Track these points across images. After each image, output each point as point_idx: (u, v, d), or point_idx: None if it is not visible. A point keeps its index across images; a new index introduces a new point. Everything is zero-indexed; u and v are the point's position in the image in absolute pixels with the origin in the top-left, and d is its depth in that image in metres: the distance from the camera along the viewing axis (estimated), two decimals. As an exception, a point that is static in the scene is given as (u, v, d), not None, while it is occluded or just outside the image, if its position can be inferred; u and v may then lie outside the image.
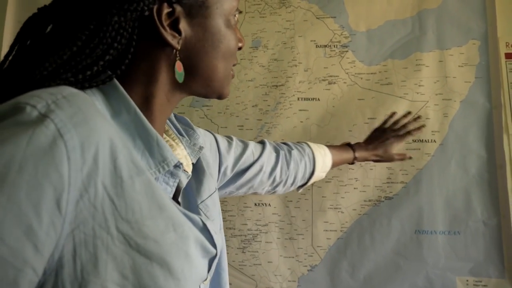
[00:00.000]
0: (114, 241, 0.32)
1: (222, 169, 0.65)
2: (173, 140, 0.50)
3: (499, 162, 0.93)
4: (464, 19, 0.99)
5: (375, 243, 0.95)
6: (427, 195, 0.95)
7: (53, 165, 0.29)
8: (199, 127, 1.06)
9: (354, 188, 0.98)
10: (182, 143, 0.51)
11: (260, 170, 0.71)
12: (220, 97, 0.48)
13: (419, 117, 0.94)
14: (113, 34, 0.37)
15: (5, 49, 1.03)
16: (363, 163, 0.97)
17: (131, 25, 0.38)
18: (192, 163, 0.51)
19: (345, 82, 1.02)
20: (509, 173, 0.92)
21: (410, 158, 0.93)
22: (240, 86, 1.06)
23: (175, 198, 0.47)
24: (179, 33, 0.41)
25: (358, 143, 0.90)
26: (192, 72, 0.43)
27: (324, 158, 0.82)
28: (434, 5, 1.00)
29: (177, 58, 0.41)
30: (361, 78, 1.01)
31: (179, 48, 0.41)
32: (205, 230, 0.43)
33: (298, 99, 1.03)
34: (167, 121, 0.52)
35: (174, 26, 0.41)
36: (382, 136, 0.89)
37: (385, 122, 0.93)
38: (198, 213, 0.48)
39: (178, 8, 0.40)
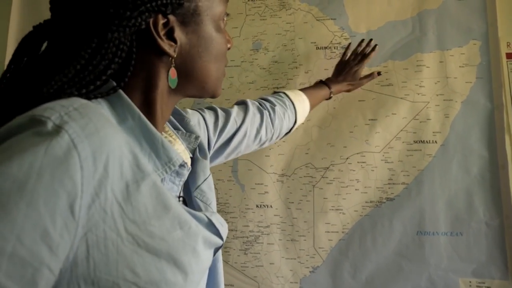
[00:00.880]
0: (123, 241, 0.34)
1: (212, 145, 0.67)
2: (171, 137, 0.52)
3: (501, 162, 0.93)
4: (465, 20, 0.99)
5: (376, 245, 0.95)
6: (429, 196, 0.95)
7: (67, 173, 0.31)
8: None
9: (356, 189, 0.98)
10: (179, 138, 0.53)
11: (245, 135, 0.72)
12: (213, 96, 0.51)
13: (370, 40, 0.98)
14: (114, 49, 0.39)
15: (10, 49, 1.04)
16: (363, 164, 0.98)
17: (129, 38, 0.40)
18: (191, 157, 0.54)
19: (345, 84, 1.02)
20: (511, 173, 0.92)
21: (379, 74, 0.98)
22: (241, 88, 1.06)
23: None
24: (175, 41, 0.43)
25: (329, 79, 0.95)
26: (187, 76, 0.46)
27: (303, 105, 0.85)
28: (435, 5, 1.00)
29: (172, 65, 0.44)
30: (362, 80, 1.01)
31: (175, 55, 0.43)
32: (210, 225, 0.45)
33: (299, 101, 1.03)
34: None
35: (170, 35, 0.43)
36: (346, 67, 0.95)
37: (344, 55, 0.98)
38: (193, 201, 0.52)
39: (172, 18, 0.42)
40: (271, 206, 1.01)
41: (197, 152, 0.55)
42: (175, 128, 0.56)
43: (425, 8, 1.00)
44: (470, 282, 0.91)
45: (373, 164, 0.98)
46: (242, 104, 0.76)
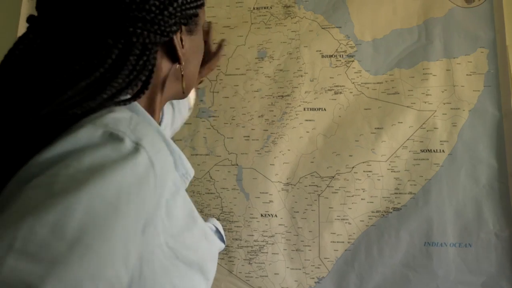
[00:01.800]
0: (165, 255, 0.35)
1: None
2: None
3: (510, 172, 0.91)
4: (472, 27, 0.98)
5: (383, 255, 0.94)
6: (437, 206, 0.93)
7: (148, 192, 0.31)
8: (205, 137, 1.08)
9: (362, 199, 0.97)
10: None
11: (166, 126, 0.73)
12: (185, 97, 0.52)
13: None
14: (151, 56, 0.39)
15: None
16: (369, 173, 0.97)
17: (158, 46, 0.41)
18: None
19: (351, 92, 1.01)
20: (521, 183, 0.90)
21: (223, 42, 0.91)
22: (246, 96, 1.06)
23: None
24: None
25: None
26: (183, 80, 0.48)
27: None
28: (441, 13, 0.99)
29: (182, 72, 0.45)
30: (368, 88, 1.01)
31: (184, 63, 0.45)
32: (217, 232, 0.47)
33: (304, 109, 1.03)
34: None
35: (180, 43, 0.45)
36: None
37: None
38: None
39: (183, 29, 0.44)
40: (276, 215, 1.00)
41: None
42: None
43: (431, 16, 1.00)
44: (479, 294, 0.89)
45: (379, 174, 0.97)
46: None
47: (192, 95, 0.88)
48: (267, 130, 1.03)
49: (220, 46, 0.92)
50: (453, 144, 0.95)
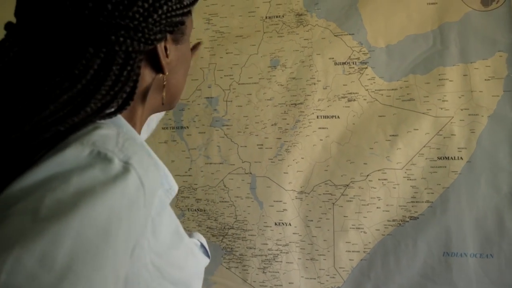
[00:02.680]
0: (151, 275, 0.34)
1: None
2: None
3: (533, 180, 0.88)
4: (489, 31, 0.95)
5: (400, 266, 0.92)
6: (455, 215, 0.90)
7: (138, 213, 0.30)
8: (219, 146, 1.09)
9: (377, 208, 0.95)
10: None
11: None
12: (171, 109, 0.52)
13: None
14: (135, 65, 0.38)
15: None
16: (385, 181, 0.95)
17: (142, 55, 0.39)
18: None
19: (365, 99, 1.00)
20: (545, 191, 0.86)
21: (200, 42, 0.91)
22: (259, 105, 1.07)
23: None
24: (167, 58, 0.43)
25: None
26: (167, 91, 0.45)
27: None
28: (456, 18, 0.97)
29: (164, 82, 0.43)
30: (382, 95, 0.99)
31: (167, 73, 0.43)
32: (202, 247, 0.46)
33: (317, 117, 1.02)
34: None
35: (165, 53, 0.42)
36: None
37: None
38: None
39: (168, 37, 0.42)
40: (290, 224, 1.00)
41: None
42: None
43: (446, 20, 0.98)
44: (503, 307, 0.86)
45: (395, 182, 0.95)
46: None
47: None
48: (281, 138, 1.03)
49: (195, 46, 0.91)
50: (472, 151, 0.92)
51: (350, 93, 1.01)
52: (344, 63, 1.03)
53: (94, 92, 0.34)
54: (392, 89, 0.99)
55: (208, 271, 1.05)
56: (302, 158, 1.01)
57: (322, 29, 1.06)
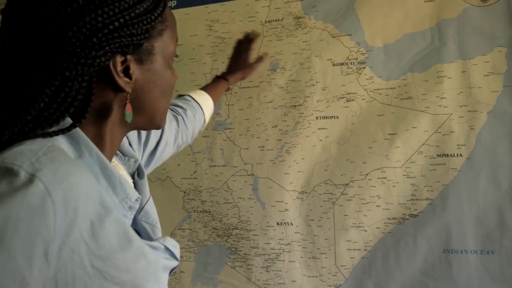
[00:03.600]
0: (90, 277, 0.36)
1: (142, 162, 0.68)
2: (113, 163, 0.53)
3: (536, 175, 0.87)
4: (488, 26, 0.94)
5: (401, 263, 0.93)
6: (455, 212, 0.91)
7: (43, 222, 0.33)
8: (222, 149, 1.13)
9: (377, 206, 0.96)
10: (120, 163, 0.54)
11: (166, 144, 0.74)
12: (158, 128, 0.52)
13: (251, 32, 0.98)
14: (77, 86, 0.39)
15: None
16: (384, 180, 0.96)
17: (91, 75, 0.41)
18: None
19: (363, 99, 1.01)
20: (547, 187, 0.85)
21: (266, 54, 1.00)
22: (260, 108, 1.09)
23: None
24: (130, 78, 0.44)
25: (224, 72, 0.96)
26: (139, 110, 0.47)
27: (208, 103, 0.88)
28: (454, 14, 0.97)
29: (127, 101, 0.45)
30: (380, 94, 1.00)
31: (130, 91, 0.45)
32: (167, 250, 0.47)
33: (316, 118, 1.04)
34: None
35: (126, 72, 0.44)
36: (239, 60, 0.97)
37: (235, 52, 0.99)
38: (138, 223, 0.53)
39: (130, 57, 0.44)
40: (291, 223, 1.02)
41: (135, 174, 0.57)
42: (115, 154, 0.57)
43: (444, 17, 0.98)
44: (505, 304, 0.86)
45: (394, 180, 0.96)
46: None
47: (209, 110, 0.90)
48: (281, 140, 1.06)
49: (259, 59, 0.98)
50: (471, 147, 0.92)
51: (348, 93, 1.03)
52: (342, 64, 1.04)
53: (21, 114, 0.37)
54: (390, 88, 1.00)
55: (214, 270, 1.09)
56: (303, 158, 1.03)
57: (320, 31, 1.07)
